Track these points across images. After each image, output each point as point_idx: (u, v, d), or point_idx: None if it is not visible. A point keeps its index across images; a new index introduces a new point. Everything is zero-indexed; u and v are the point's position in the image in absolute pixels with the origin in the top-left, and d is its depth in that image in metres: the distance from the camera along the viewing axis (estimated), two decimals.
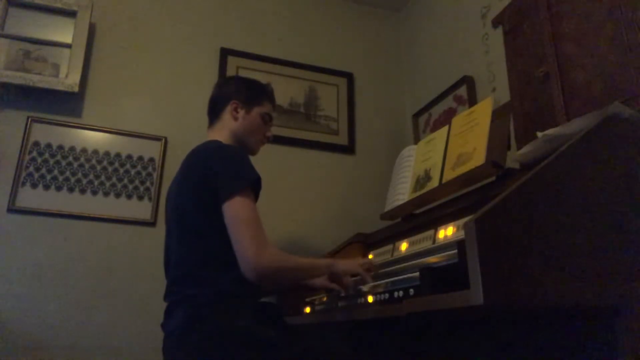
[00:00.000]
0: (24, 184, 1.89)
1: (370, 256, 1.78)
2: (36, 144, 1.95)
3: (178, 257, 1.25)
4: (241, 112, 1.43)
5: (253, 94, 1.47)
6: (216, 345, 1.09)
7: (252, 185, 1.21)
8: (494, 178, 1.36)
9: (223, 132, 1.42)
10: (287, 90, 2.41)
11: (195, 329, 1.12)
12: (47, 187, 1.92)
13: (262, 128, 1.48)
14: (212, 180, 1.21)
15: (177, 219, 1.29)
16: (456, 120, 1.57)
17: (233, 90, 1.46)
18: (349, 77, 2.56)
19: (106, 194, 1.99)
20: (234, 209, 1.17)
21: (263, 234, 1.17)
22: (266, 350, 1.11)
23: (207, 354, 1.09)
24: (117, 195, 2.00)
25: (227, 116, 1.44)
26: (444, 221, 1.45)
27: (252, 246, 1.13)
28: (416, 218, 1.66)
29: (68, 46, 2.02)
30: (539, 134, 1.16)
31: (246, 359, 1.09)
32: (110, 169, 2.02)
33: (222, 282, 1.17)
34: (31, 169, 1.91)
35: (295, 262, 1.24)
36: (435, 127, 2.28)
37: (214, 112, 1.47)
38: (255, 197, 1.24)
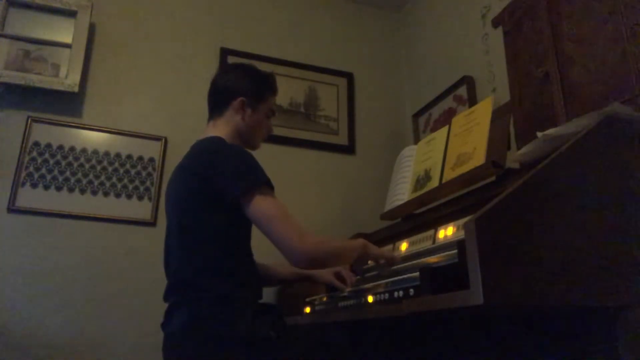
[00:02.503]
0: (24, 184, 1.89)
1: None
2: (36, 144, 1.95)
3: (179, 259, 1.24)
4: (248, 111, 1.37)
5: (260, 90, 1.40)
6: (217, 345, 1.09)
7: (268, 183, 1.20)
8: (494, 178, 1.36)
9: (226, 128, 1.36)
10: (287, 90, 2.40)
11: (196, 330, 1.12)
12: (47, 187, 1.92)
13: (266, 124, 1.43)
14: (215, 183, 1.18)
15: (177, 221, 1.27)
16: (456, 120, 1.57)
17: (240, 84, 1.38)
18: (349, 77, 2.56)
19: (106, 194, 1.99)
20: (260, 208, 1.15)
21: (298, 222, 1.16)
22: (266, 351, 1.11)
23: (207, 354, 1.09)
24: (117, 195, 2.00)
25: (231, 112, 1.36)
26: (444, 221, 1.45)
27: (294, 236, 1.12)
28: (416, 218, 1.66)
29: (68, 46, 2.02)
30: (539, 134, 1.15)
31: (246, 359, 1.09)
32: (110, 169, 2.02)
33: (223, 285, 1.17)
34: (31, 169, 1.91)
35: (337, 244, 1.24)
36: (435, 127, 2.28)
37: (217, 104, 1.39)
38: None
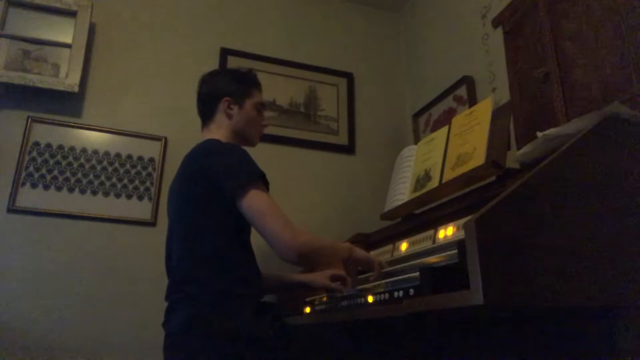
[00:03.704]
0: (24, 184, 1.89)
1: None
2: (36, 144, 1.95)
3: (179, 257, 1.25)
4: (235, 108, 1.42)
5: (242, 86, 1.45)
6: (216, 344, 1.10)
7: (261, 179, 1.22)
8: (494, 178, 1.36)
9: (220, 131, 1.40)
10: (287, 90, 2.41)
11: (196, 328, 1.12)
12: (47, 187, 1.92)
13: (258, 118, 1.47)
14: (212, 180, 1.21)
15: (178, 219, 1.29)
16: (456, 120, 1.57)
17: (221, 87, 1.44)
18: (349, 77, 2.56)
19: (106, 194, 1.99)
20: (253, 203, 1.17)
21: (289, 218, 1.18)
22: (266, 350, 1.11)
23: (207, 353, 1.09)
24: (117, 195, 2.00)
25: (220, 115, 1.42)
26: (444, 221, 1.45)
27: (286, 230, 1.14)
28: (416, 218, 1.66)
29: (68, 46, 2.02)
30: (539, 134, 1.16)
31: (246, 358, 1.09)
32: (110, 169, 2.02)
33: (223, 282, 1.17)
34: (31, 169, 1.91)
35: (326, 242, 1.26)
36: (435, 127, 2.28)
37: (206, 112, 1.44)
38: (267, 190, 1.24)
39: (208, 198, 1.22)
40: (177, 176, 1.37)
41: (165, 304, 1.25)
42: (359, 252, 1.31)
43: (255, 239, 1.32)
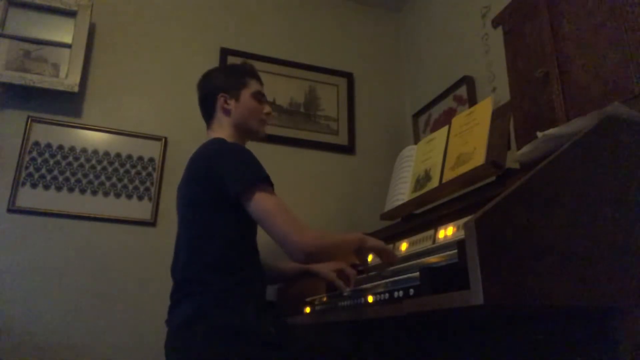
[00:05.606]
0: (24, 184, 1.89)
1: (370, 257, 1.78)
2: (36, 144, 1.94)
3: (185, 258, 1.26)
4: (232, 103, 1.42)
5: (235, 79, 1.45)
6: (217, 341, 1.10)
7: (266, 179, 1.22)
8: (494, 178, 1.36)
9: (222, 128, 1.41)
10: (287, 90, 2.41)
11: (198, 324, 1.13)
12: (47, 187, 1.92)
13: (258, 107, 1.46)
14: (217, 182, 1.21)
15: (185, 221, 1.30)
16: (456, 120, 1.57)
17: (215, 84, 1.45)
18: (349, 77, 2.56)
19: (106, 194, 1.99)
20: (260, 204, 1.17)
21: (297, 217, 1.17)
22: (267, 347, 1.11)
23: (208, 349, 1.10)
24: (117, 195, 2.00)
25: (220, 112, 1.43)
26: (444, 221, 1.45)
27: (293, 229, 1.14)
28: (416, 218, 1.66)
29: (68, 46, 2.02)
30: (539, 134, 1.16)
31: (247, 356, 1.09)
32: (110, 169, 2.02)
33: (227, 282, 1.18)
34: (31, 169, 1.91)
35: (334, 238, 1.25)
36: (435, 127, 2.28)
37: (207, 112, 1.46)
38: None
39: (213, 199, 1.22)
40: (183, 177, 1.38)
41: (168, 303, 1.25)
42: (371, 241, 1.28)
43: (262, 233, 1.32)
